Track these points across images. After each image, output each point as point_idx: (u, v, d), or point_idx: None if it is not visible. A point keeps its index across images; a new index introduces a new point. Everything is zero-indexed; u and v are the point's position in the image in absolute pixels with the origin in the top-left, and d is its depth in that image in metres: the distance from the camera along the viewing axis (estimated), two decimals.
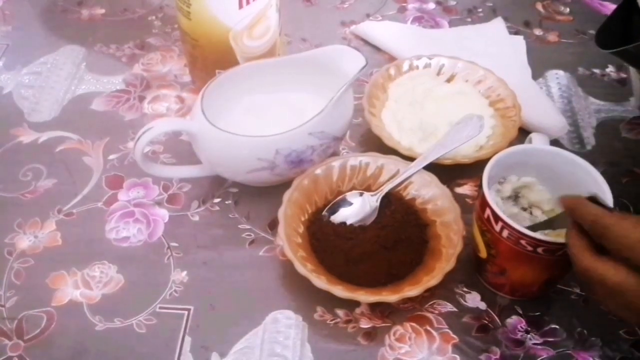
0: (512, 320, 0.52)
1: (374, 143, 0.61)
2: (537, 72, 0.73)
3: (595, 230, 0.39)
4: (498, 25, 0.78)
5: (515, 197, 0.52)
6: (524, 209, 0.52)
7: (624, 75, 0.73)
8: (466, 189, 0.61)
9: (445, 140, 0.57)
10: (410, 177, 0.56)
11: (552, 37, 0.78)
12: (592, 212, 0.39)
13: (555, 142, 0.64)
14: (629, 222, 0.37)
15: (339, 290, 0.49)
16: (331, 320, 0.52)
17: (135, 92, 0.71)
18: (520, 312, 0.52)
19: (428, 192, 0.56)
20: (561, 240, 0.44)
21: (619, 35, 0.50)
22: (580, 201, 0.41)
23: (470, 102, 0.64)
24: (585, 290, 0.40)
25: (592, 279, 0.39)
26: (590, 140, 0.66)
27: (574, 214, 0.41)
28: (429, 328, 0.51)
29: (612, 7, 0.81)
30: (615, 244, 0.37)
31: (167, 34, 0.78)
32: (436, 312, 0.52)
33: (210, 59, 0.64)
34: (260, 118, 0.60)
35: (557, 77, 0.73)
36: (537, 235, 0.45)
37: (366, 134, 0.65)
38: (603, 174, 0.48)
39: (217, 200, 0.60)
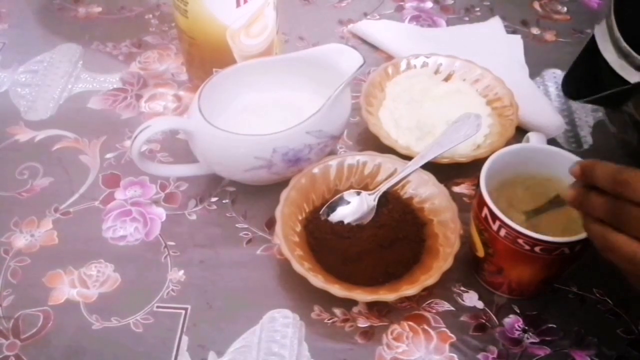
0: (510, 319, 0.52)
1: (372, 142, 0.61)
2: (535, 71, 0.73)
3: (616, 184, 0.38)
4: (495, 24, 0.78)
5: None
6: None
7: None
8: (463, 188, 0.61)
9: (442, 139, 0.57)
10: (407, 176, 0.56)
11: (550, 36, 0.78)
12: (611, 168, 0.39)
13: (552, 142, 0.64)
14: None
15: (337, 289, 0.49)
16: (328, 319, 0.52)
17: (132, 91, 0.71)
18: (518, 311, 0.52)
19: (425, 191, 0.56)
20: (559, 239, 0.45)
21: (584, 82, 0.51)
22: (596, 161, 0.41)
23: (467, 101, 0.64)
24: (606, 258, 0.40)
25: (609, 248, 0.39)
26: (587, 139, 0.66)
27: (592, 174, 0.40)
28: (426, 327, 0.51)
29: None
30: (637, 194, 0.37)
31: (164, 32, 0.78)
32: (434, 311, 0.52)
33: (208, 58, 0.64)
34: (258, 117, 0.60)
35: (555, 76, 0.73)
36: (535, 234, 0.45)
37: (364, 133, 0.65)
38: None
39: (214, 199, 0.60)
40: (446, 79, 0.68)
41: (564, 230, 0.47)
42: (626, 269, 0.39)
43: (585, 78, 0.50)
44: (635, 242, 0.38)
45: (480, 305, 0.52)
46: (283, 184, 0.56)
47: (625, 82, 0.47)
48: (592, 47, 0.48)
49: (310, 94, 0.59)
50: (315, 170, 0.57)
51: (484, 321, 0.52)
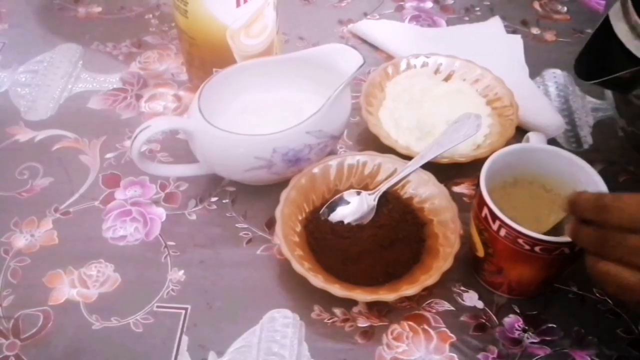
0: (510, 319, 0.52)
1: (372, 142, 0.61)
2: (535, 71, 0.73)
3: (597, 211, 0.39)
4: (495, 24, 0.78)
5: None
6: None
7: None
8: (463, 188, 0.61)
9: (442, 139, 0.57)
10: (407, 176, 0.56)
11: (550, 36, 0.78)
12: (591, 197, 0.40)
13: (552, 141, 0.64)
14: (628, 196, 0.38)
15: (337, 289, 0.49)
16: (328, 319, 0.52)
17: (132, 91, 0.71)
18: (518, 311, 0.52)
19: (425, 191, 0.56)
20: (559, 239, 0.45)
21: (597, 63, 0.50)
22: (579, 193, 0.41)
23: (467, 101, 0.64)
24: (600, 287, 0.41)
25: (603, 280, 0.39)
26: (587, 139, 0.66)
27: (576, 207, 0.41)
28: (426, 327, 0.51)
29: None
30: (618, 217, 0.37)
31: (164, 32, 0.78)
32: (433, 311, 0.52)
33: (208, 58, 0.64)
34: (258, 117, 0.60)
35: (555, 76, 0.73)
36: (535, 234, 0.45)
37: (363, 133, 0.65)
38: (600, 172, 0.48)
39: (214, 199, 0.60)
40: (446, 79, 0.68)
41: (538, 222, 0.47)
42: (623, 298, 0.39)
43: (598, 60, 0.50)
44: (623, 269, 0.38)
45: (480, 305, 0.52)
46: (283, 184, 0.56)
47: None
48: (605, 28, 0.48)
49: (310, 94, 0.59)
50: (316, 170, 0.57)
51: (484, 321, 0.52)
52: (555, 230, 0.48)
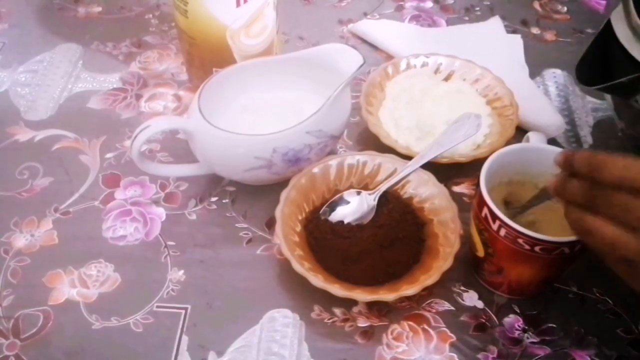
0: (510, 319, 0.52)
1: (372, 142, 0.61)
2: (535, 70, 0.73)
3: (591, 167, 0.39)
4: (495, 24, 0.78)
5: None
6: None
7: None
8: (463, 188, 0.61)
9: (442, 139, 0.57)
10: (407, 175, 0.56)
11: (550, 35, 0.78)
12: (585, 153, 0.40)
13: (552, 141, 0.64)
14: (619, 156, 0.38)
15: (336, 289, 0.49)
16: (328, 319, 0.52)
17: (132, 91, 0.71)
18: (518, 310, 0.52)
19: (425, 190, 0.56)
20: (559, 239, 0.45)
21: (598, 68, 0.50)
22: (572, 150, 0.42)
23: (467, 101, 0.64)
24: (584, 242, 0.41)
25: (586, 231, 0.40)
26: (587, 139, 0.66)
27: (572, 161, 0.41)
28: (426, 327, 0.51)
29: None
30: (609, 174, 0.38)
31: (164, 32, 0.78)
32: (433, 310, 0.52)
33: (208, 57, 0.64)
34: (258, 116, 0.60)
35: (555, 76, 0.73)
36: (535, 234, 0.45)
37: (363, 133, 0.65)
38: None
39: (214, 199, 0.60)
40: (446, 79, 0.68)
41: (564, 230, 0.47)
42: (605, 252, 0.39)
43: (600, 65, 0.49)
44: (610, 225, 0.38)
45: (480, 305, 0.52)
46: (283, 184, 0.56)
47: None
48: (607, 32, 0.48)
49: (310, 94, 0.59)
50: (315, 170, 0.57)
51: (484, 321, 0.52)
52: (538, 198, 0.48)
